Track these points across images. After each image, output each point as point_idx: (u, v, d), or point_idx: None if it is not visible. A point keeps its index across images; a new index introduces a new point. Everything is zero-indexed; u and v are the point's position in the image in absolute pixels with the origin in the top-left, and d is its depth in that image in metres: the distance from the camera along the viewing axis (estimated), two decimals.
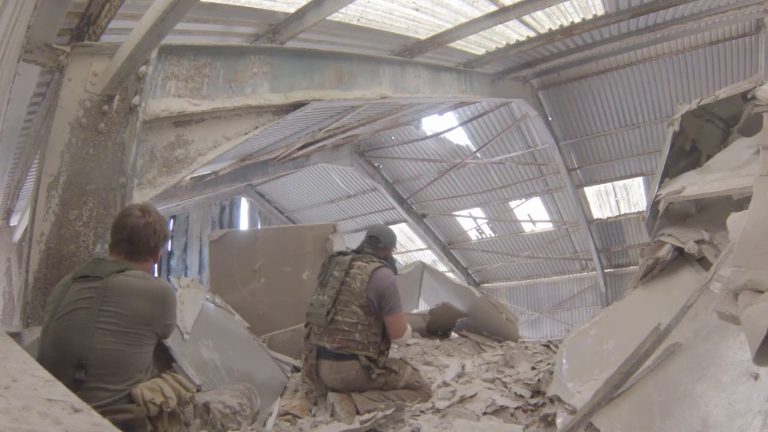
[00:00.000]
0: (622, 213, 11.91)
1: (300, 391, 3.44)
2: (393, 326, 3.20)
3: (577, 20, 6.21)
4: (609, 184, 11.25)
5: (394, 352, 4.60)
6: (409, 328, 3.33)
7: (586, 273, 13.66)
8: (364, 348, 3.10)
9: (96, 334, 1.84)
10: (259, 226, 14.46)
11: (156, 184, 3.24)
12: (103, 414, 1.73)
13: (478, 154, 11.12)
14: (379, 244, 3.50)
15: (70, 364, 1.80)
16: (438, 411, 2.82)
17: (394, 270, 3.48)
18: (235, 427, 2.37)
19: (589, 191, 11.50)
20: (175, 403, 1.90)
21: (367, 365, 3.09)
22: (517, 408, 2.86)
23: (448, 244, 14.40)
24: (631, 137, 9.92)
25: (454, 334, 5.63)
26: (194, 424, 2.13)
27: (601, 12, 6.07)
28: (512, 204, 12.57)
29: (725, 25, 7.22)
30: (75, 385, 1.76)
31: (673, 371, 2.02)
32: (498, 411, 2.83)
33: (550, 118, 9.72)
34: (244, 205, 15.06)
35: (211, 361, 3.11)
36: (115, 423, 1.72)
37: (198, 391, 2.30)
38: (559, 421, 2.31)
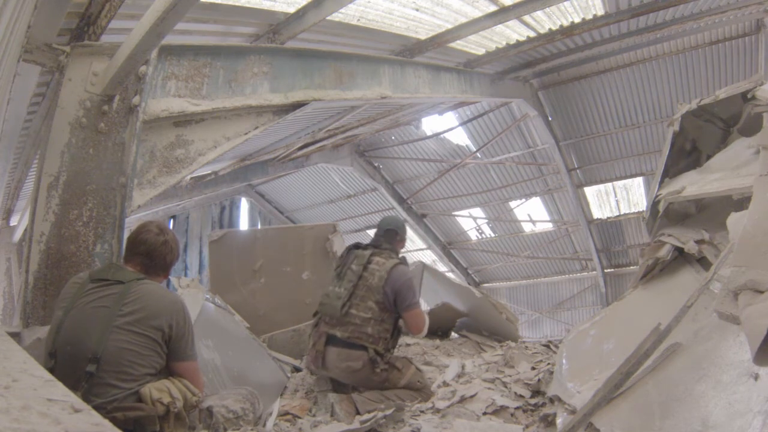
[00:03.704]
0: (622, 213, 11.91)
1: (300, 391, 3.44)
2: (412, 322, 3.24)
3: (577, 20, 6.21)
4: (609, 184, 11.25)
5: (397, 350, 4.60)
6: (427, 320, 3.35)
7: (586, 273, 13.66)
8: (374, 342, 3.14)
9: (113, 332, 1.91)
10: (259, 226, 14.45)
11: (156, 184, 3.24)
12: (115, 410, 1.77)
13: (478, 154, 11.12)
14: (396, 237, 3.50)
15: (83, 357, 1.86)
16: (438, 411, 2.81)
17: (406, 262, 3.48)
18: (236, 428, 2.37)
19: (589, 191, 11.50)
20: (182, 405, 1.93)
21: (374, 358, 3.11)
22: (517, 408, 2.86)
23: (448, 244, 14.40)
24: (631, 137, 9.92)
25: (454, 334, 5.63)
26: (198, 428, 2.13)
27: (601, 12, 6.06)
28: (512, 204, 12.57)
29: (725, 25, 7.22)
30: (86, 378, 1.83)
31: (673, 371, 2.02)
32: (498, 411, 2.82)
33: (550, 118, 9.72)
34: (244, 205, 15.05)
35: (211, 361, 3.11)
36: (126, 419, 1.76)
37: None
38: (559, 421, 2.31)
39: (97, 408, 1.74)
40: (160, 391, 1.90)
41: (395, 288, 3.17)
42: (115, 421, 1.72)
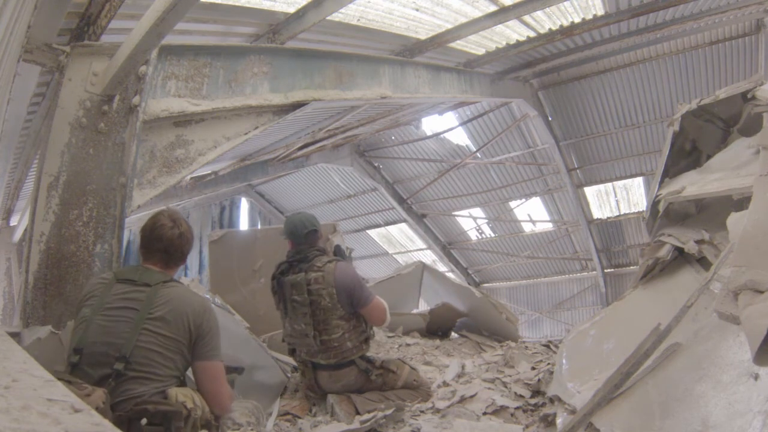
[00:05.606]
0: (622, 213, 11.91)
1: (300, 391, 3.44)
2: (372, 315, 3.17)
3: (577, 20, 6.21)
4: (609, 184, 11.26)
5: (394, 352, 4.60)
6: (386, 306, 3.21)
7: (586, 273, 13.66)
8: (357, 350, 3.12)
9: (141, 334, 1.96)
10: (259, 226, 14.46)
11: (156, 184, 3.24)
12: (143, 403, 1.82)
13: (478, 154, 11.12)
14: (317, 235, 3.27)
15: (113, 355, 1.92)
16: (438, 411, 2.82)
17: (342, 254, 3.32)
18: None
19: (589, 191, 11.50)
20: (200, 415, 1.98)
21: (365, 368, 3.10)
22: (517, 408, 2.86)
23: (448, 244, 14.39)
24: (631, 137, 9.92)
25: (454, 334, 5.63)
26: None
27: (601, 12, 6.07)
28: (512, 204, 12.58)
29: (725, 25, 7.22)
30: (114, 376, 1.89)
31: (673, 371, 2.02)
32: (498, 411, 2.83)
33: (550, 118, 9.72)
34: (244, 205, 15.06)
35: None
36: (156, 411, 1.80)
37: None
38: (559, 421, 2.31)
39: (124, 401, 1.85)
40: (185, 396, 1.96)
41: (348, 294, 3.04)
42: (145, 413, 1.79)
